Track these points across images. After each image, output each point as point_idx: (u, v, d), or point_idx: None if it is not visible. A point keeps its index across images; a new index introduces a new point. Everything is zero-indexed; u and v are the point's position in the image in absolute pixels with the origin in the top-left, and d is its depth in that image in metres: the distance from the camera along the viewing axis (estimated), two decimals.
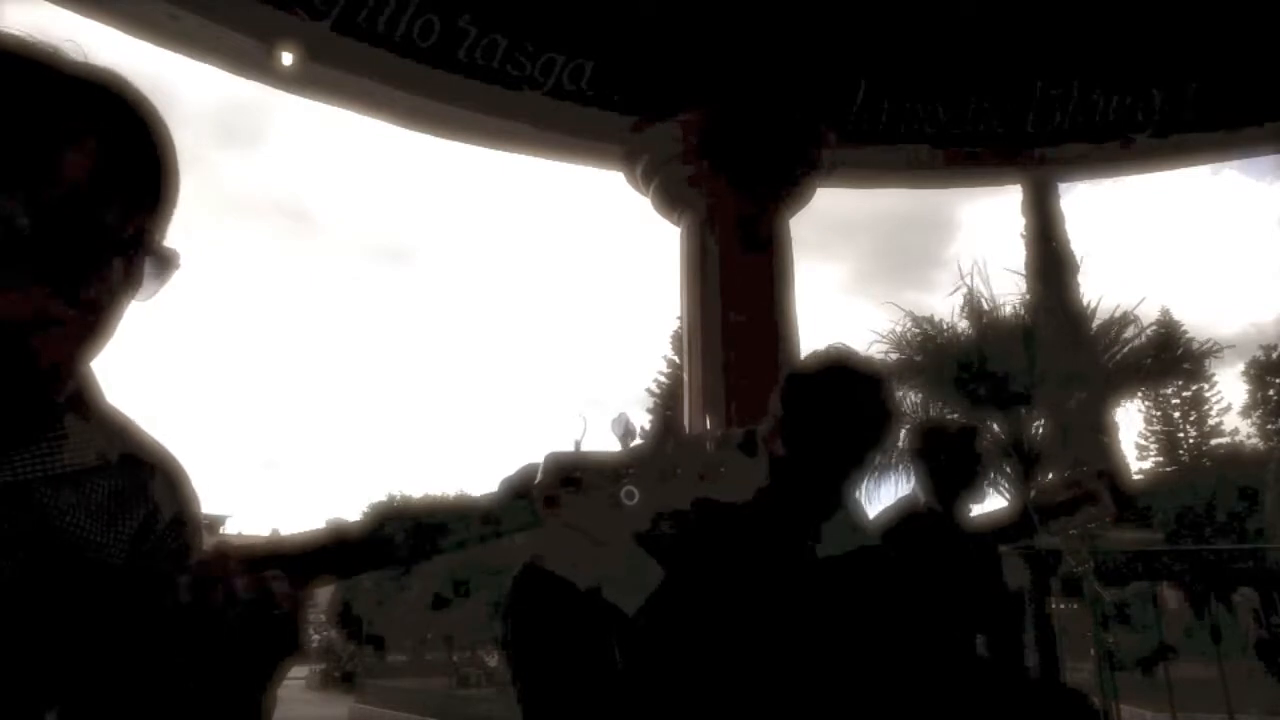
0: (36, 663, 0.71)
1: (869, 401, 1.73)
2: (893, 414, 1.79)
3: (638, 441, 0.84)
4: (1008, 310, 11.20)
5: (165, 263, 0.79)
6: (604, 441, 0.85)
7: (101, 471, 0.82)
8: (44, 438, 0.78)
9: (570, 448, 0.83)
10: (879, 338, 11.11)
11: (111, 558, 0.80)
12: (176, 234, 0.82)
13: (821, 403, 1.72)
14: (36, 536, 0.75)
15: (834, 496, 1.74)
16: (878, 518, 2.97)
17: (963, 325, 11.00)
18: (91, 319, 0.75)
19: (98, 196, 0.73)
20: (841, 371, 1.77)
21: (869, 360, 1.85)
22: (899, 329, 11.02)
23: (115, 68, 0.77)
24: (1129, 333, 11.37)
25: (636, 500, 0.79)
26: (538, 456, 0.82)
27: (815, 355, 1.82)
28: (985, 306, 11.01)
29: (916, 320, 11.06)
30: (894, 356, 10.68)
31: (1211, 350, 12.32)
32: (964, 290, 10.96)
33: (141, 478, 0.86)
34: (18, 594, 0.72)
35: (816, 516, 1.71)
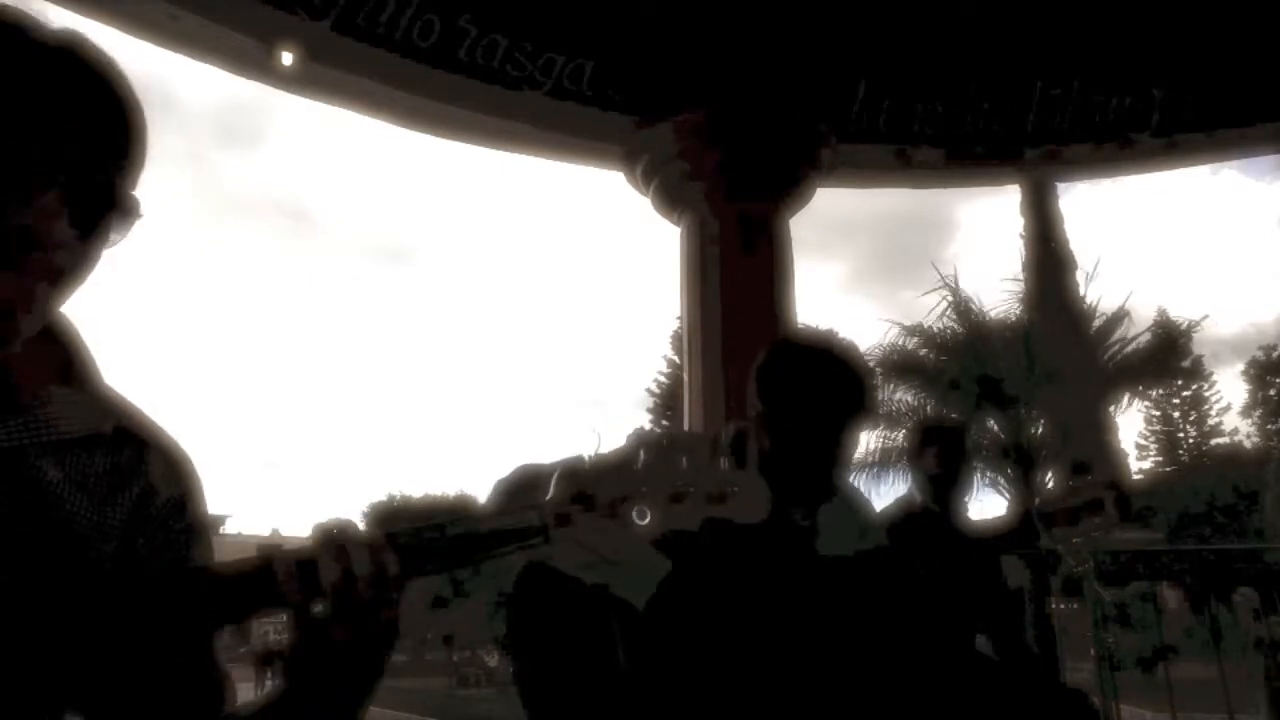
0: (39, 651, 0.69)
1: (838, 367, 1.75)
2: (864, 378, 1.80)
3: (651, 458, 0.84)
4: (994, 314, 11.20)
5: (127, 211, 0.80)
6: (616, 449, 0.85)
7: (92, 444, 0.80)
8: (28, 405, 0.77)
9: (582, 461, 0.83)
10: (870, 355, 11.08)
11: (104, 533, 0.79)
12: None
13: (793, 379, 1.74)
14: (30, 505, 0.74)
15: (825, 472, 1.74)
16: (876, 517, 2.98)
17: (953, 328, 10.98)
18: (39, 256, 0.74)
19: (31, 129, 0.73)
20: (806, 348, 1.83)
21: (830, 333, 1.88)
22: (890, 340, 11.03)
23: (73, 27, 0.81)
24: (1125, 330, 11.38)
25: (648, 520, 0.80)
26: (534, 459, 0.82)
27: (778, 342, 1.86)
28: (973, 311, 10.99)
29: (906, 330, 11.06)
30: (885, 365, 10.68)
31: (1194, 326, 12.28)
32: (946, 296, 10.97)
33: (135, 454, 0.84)
34: (12, 570, 0.71)
35: (813, 500, 1.71)
